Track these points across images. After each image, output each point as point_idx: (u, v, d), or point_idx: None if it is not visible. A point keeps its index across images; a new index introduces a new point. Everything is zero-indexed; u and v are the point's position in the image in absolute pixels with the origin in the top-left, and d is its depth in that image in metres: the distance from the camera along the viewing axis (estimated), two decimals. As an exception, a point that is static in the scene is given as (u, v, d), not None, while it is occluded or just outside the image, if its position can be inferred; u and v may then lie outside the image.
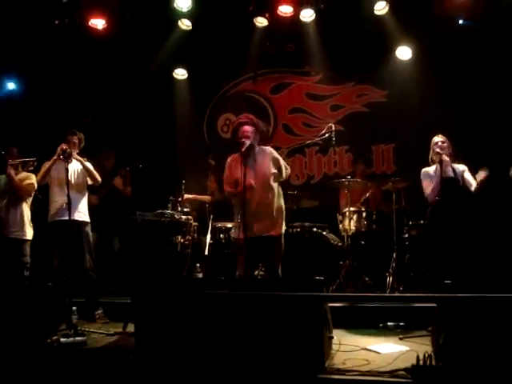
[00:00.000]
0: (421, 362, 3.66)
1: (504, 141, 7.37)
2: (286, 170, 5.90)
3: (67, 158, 6.10)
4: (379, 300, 5.99)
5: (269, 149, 5.96)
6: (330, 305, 4.58)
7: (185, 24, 8.66)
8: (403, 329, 5.46)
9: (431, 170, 6.34)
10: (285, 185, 6.39)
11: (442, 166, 6.13)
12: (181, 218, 7.63)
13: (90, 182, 6.65)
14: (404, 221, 7.18)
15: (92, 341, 5.37)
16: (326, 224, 7.77)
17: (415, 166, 6.73)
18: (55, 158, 6.32)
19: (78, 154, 6.58)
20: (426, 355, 3.69)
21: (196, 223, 7.76)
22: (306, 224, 7.65)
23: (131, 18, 8.46)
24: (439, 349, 3.83)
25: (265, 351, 4.05)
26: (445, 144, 6.28)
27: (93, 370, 4.54)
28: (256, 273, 6.39)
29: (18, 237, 6.65)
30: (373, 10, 8.01)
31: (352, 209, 7.31)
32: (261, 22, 8.48)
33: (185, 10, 8.24)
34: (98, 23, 8.26)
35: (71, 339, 5.10)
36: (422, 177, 6.40)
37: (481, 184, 6.10)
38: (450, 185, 6.10)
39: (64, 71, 9.11)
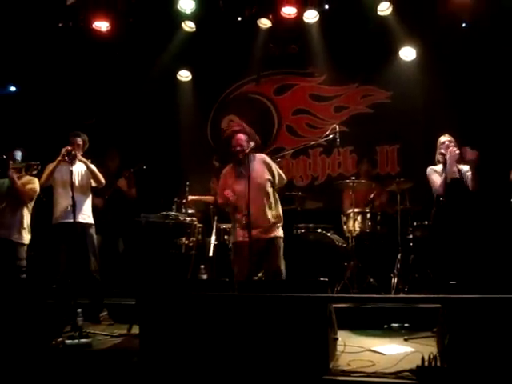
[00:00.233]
0: (426, 364, 3.66)
1: (508, 141, 7.35)
2: (280, 178, 5.92)
3: (72, 160, 6.10)
4: (384, 301, 5.99)
5: (262, 155, 5.98)
6: (335, 306, 4.57)
7: (188, 26, 8.68)
8: (408, 330, 5.46)
9: (438, 168, 6.32)
10: (289, 186, 6.40)
11: (448, 166, 6.11)
12: (185, 219, 7.64)
13: (93, 183, 6.65)
14: (408, 222, 7.18)
15: (97, 343, 5.37)
16: (330, 225, 7.76)
17: (420, 166, 6.71)
18: (59, 159, 6.32)
19: (82, 155, 6.58)
20: (431, 356, 3.68)
21: (200, 225, 7.77)
22: (311, 225, 7.64)
23: (135, 20, 8.48)
24: (444, 350, 3.83)
25: (270, 353, 4.05)
26: (452, 144, 6.26)
27: (98, 371, 4.54)
28: (260, 274, 6.38)
29: (15, 240, 6.65)
30: (376, 10, 8.00)
31: (356, 210, 7.30)
32: (264, 23, 8.49)
33: (188, 11, 8.26)
34: (102, 26, 8.28)
35: (76, 341, 5.11)
36: (428, 173, 6.36)
37: (474, 174, 6.07)
38: (455, 185, 6.09)
39: (68, 73, 9.13)
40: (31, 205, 6.83)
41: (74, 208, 5.86)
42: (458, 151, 6.10)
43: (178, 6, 8.18)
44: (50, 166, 6.47)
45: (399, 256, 6.99)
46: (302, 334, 4.02)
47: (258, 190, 5.68)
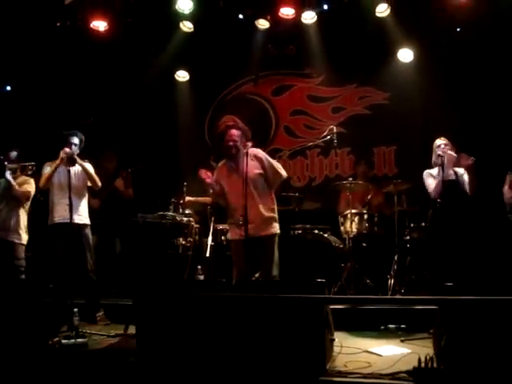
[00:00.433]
0: (422, 365, 3.66)
1: (505, 144, 7.36)
2: (275, 174, 5.86)
3: (72, 164, 6.09)
4: (381, 302, 5.98)
5: (254, 150, 5.91)
6: (332, 307, 4.57)
7: (186, 26, 8.68)
8: (404, 331, 5.45)
9: (434, 171, 6.34)
10: (286, 187, 6.39)
11: (444, 168, 6.13)
12: (182, 219, 7.63)
13: (89, 184, 6.64)
14: (405, 223, 7.19)
15: (93, 342, 5.36)
16: (327, 226, 7.77)
17: (417, 168, 6.74)
18: (58, 162, 6.30)
19: (78, 155, 6.57)
20: (428, 358, 3.68)
21: (197, 225, 7.76)
22: (308, 226, 7.64)
23: (133, 20, 8.47)
24: (441, 351, 3.83)
25: (266, 353, 4.05)
26: (447, 147, 6.27)
27: (94, 371, 4.54)
28: (257, 275, 6.37)
29: (13, 240, 6.66)
30: (374, 12, 8.01)
31: (353, 211, 7.31)
32: (262, 24, 8.48)
33: (187, 12, 8.26)
34: (100, 25, 8.27)
35: (72, 341, 5.10)
36: (424, 177, 6.40)
37: (471, 179, 6.08)
38: (452, 188, 6.11)
39: (65, 73, 9.12)
40: (27, 205, 6.83)
41: (71, 209, 5.84)
42: (455, 154, 6.12)
43: (177, 7, 8.18)
44: (48, 169, 6.43)
45: (396, 257, 6.99)
46: (299, 335, 4.02)
47: (249, 184, 5.63)
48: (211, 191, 5.96)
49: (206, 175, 5.84)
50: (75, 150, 6.43)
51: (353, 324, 5.60)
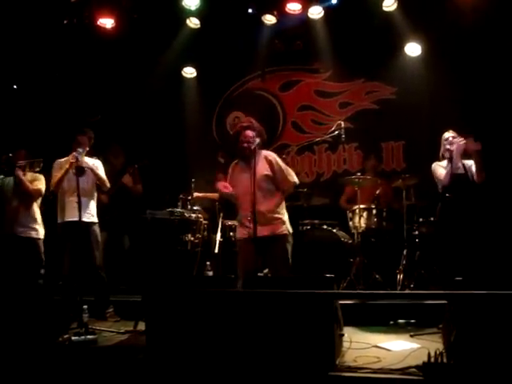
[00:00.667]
0: (432, 360, 3.65)
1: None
2: (283, 178, 5.86)
3: (80, 174, 6.08)
4: (390, 297, 5.98)
5: (267, 152, 5.97)
6: (341, 302, 4.57)
7: (193, 22, 8.68)
8: (414, 326, 5.46)
9: (443, 163, 6.30)
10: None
11: (453, 161, 6.10)
12: (191, 216, 7.63)
13: (98, 183, 6.66)
14: (414, 218, 7.17)
15: (103, 339, 5.38)
16: (336, 221, 7.77)
17: (425, 162, 6.69)
18: (68, 167, 6.30)
19: (87, 152, 6.58)
20: (438, 352, 3.67)
21: (206, 221, 7.77)
22: (316, 221, 7.64)
23: (139, 17, 8.48)
24: (450, 346, 3.82)
25: (275, 349, 4.05)
26: (455, 139, 6.24)
27: (104, 368, 4.55)
28: (265, 271, 6.38)
29: (31, 235, 6.70)
30: (381, 6, 7.99)
31: (362, 206, 7.29)
32: (269, 19, 8.47)
33: (193, 8, 8.26)
34: (107, 22, 8.29)
35: (82, 337, 5.12)
36: (433, 168, 6.35)
37: (478, 165, 6.05)
38: (461, 181, 6.08)
39: (73, 71, 9.14)
40: (39, 201, 6.86)
41: (80, 207, 5.85)
42: (463, 142, 6.08)
43: (183, 3, 8.19)
44: (59, 173, 6.44)
45: (405, 252, 6.99)
46: (308, 331, 4.01)
47: (258, 183, 5.65)
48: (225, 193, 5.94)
49: (224, 187, 5.86)
50: (81, 152, 6.42)
51: (362, 319, 5.60)
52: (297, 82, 9.70)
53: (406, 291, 6.64)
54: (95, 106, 9.42)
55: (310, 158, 9.33)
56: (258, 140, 5.80)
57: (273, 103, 9.80)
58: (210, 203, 8.12)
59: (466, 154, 6.18)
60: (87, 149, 6.60)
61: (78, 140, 6.52)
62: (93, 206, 6.66)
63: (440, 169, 6.29)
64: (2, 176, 6.78)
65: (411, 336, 5.07)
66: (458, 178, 6.09)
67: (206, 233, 7.71)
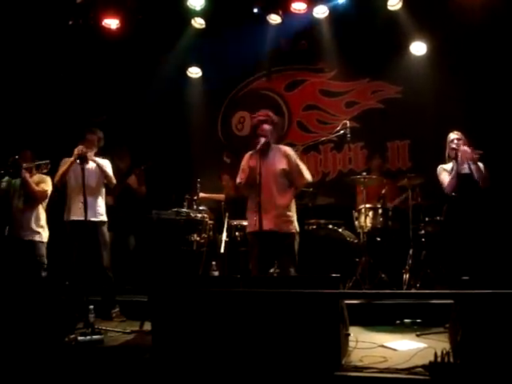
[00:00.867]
0: (438, 359, 3.64)
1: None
2: (299, 175, 5.91)
3: (83, 162, 6.09)
4: (396, 297, 5.96)
5: (284, 147, 6.04)
6: (347, 302, 4.56)
7: (198, 22, 8.69)
8: (420, 326, 5.45)
9: (448, 166, 6.30)
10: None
11: (458, 162, 6.09)
12: (196, 216, 7.64)
13: (105, 181, 6.66)
14: (420, 217, 7.15)
15: (109, 339, 5.39)
16: (341, 221, 7.76)
17: (431, 162, 6.68)
18: (72, 159, 6.32)
19: (96, 153, 6.60)
20: (444, 352, 3.66)
21: (211, 221, 7.77)
22: (322, 221, 7.64)
23: (144, 17, 8.49)
24: (457, 346, 3.81)
25: (281, 349, 4.05)
26: (460, 141, 6.23)
27: (110, 368, 4.56)
28: (272, 270, 6.38)
29: (33, 238, 6.68)
30: (386, 5, 7.98)
31: (368, 205, 7.28)
32: (274, 19, 8.47)
33: (198, 8, 8.27)
34: (112, 23, 8.31)
35: (88, 338, 5.12)
36: (438, 172, 6.35)
37: (479, 172, 6.03)
38: (467, 181, 6.06)
39: (78, 71, 9.15)
40: (45, 203, 6.85)
41: (86, 206, 5.86)
42: (469, 150, 6.07)
43: (188, 3, 8.20)
44: (63, 167, 6.47)
45: (411, 251, 6.97)
46: (314, 330, 4.01)
47: (271, 177, 5.74)
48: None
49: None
50: (92, 147, 6.46)
51: (368, 319, 5.59)
52: (302, 82, 9.70)
53: (412, 291, 6.62)
54: (100, 106, 9.44)
55: (315, 157, 9.32)
56: (275, 133, 5.92)
57: (278, 103, 9.79)
58: (216, 203, 8.14)
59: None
60: (95, 149, 6.61)
61: (87, 138, 6.54)
62: (101, 204, 6.66)
63: (444, 174, 6.27)
64: (8, 178, 6.78)
65: (417, 336, 5.06)
66: (463, 178, 6.07)
67: (211, 233, 7.72)
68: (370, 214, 7.30)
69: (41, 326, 5.25)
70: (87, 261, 6.34)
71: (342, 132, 7.08)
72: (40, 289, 5.89)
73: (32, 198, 6.70)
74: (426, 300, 5.68)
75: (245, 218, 7.22)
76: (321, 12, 8.33)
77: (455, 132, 6.33)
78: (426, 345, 4.64)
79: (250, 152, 6.00)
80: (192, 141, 9.88)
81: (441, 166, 6.38)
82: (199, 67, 9.83)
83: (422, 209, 7.18)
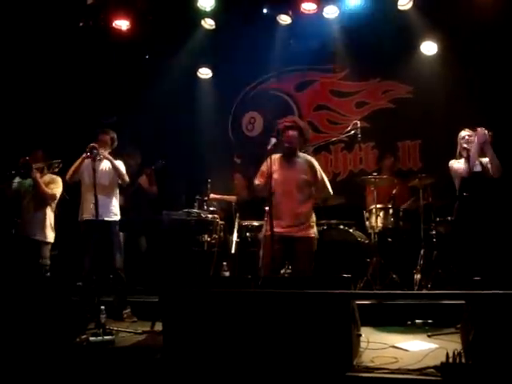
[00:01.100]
0: (450, 360, 3.62)
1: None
2: (323, 187, 5.98)
3: (95, 156, 6.10)
4: (407, 297, 5.96)
5: (310, 158, 6.06)
6: (358, 302, 4.55)
7: (208, 23, 8.70)
8: (431, 326, 5.42)
9: (459, 162, 6.25)
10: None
11: (470, 160, 6.05)
12: (207, 216, 7.64)
13: (120, 181, 6.68)
14: (431, 217, 7.13)
15: (120, 340, 5.40)
16: (352, 221, 7.75)
17: (442, 162, 6.65)
18: (84, 156, 6.34)
19: (109, 153, 6.62)
20: (456, 353, 3.65)
21: (222, 222, 7.77)
22: (333, 221, 7.64)
23: (154, 18, 8.51)
24: (469, 346, 3.80)
25: (293, 349, 4.05)
26: (471, 138, 6.20)
27: (121, 368, 4.57)
28: (283, 271, 6.38)
29: (39, 238, 6.71)
30: (397, 5, 7.96)
31: (379, 206, 7.27)
32: (284, 19, 8.48)
33: (208, 9, 8.28)
34: (122, 24, 8.34)
35: (100, 338, 5.14)
36: (450, 165, 6.29)
37: (491, 157, 5.99)
38: (478, 179, 6.03)
39: (89, 73, 9.17)
40: (54, 203, 6.87)
41: (97, 206, 5.87)
42: (483, 132, 6.03)
43: (198, 4, 8.22)
44: (76, 163, 6.50)
45: (422, 252, 6.94)
46: (326, 331, 4.01)
47: (293, 185, 5.77)
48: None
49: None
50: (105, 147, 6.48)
51: (379, 319, 5.58)
52: (312, 82, 9.69)
53: (424, 291, 6.60)
54: (111, 107, 9.46)
55: (326, 157, 9.31)
56: (301, 140, 5.93)
57: (288, 103, 9.80)
58: (226, 204, 8.14)
59: (482, 152, 6.14)
60: (109, 149, 6.63)
61: (99, 139, 6.56)
62: (115, 204, 6.69)
63: (457, 163, 6.23)
64: (18, 178, 6.81)
65: (429, 336, 5.04)
66: (475, 177, 6.04)
67: (222, 233, 7.72)
68: (381, 214, 7.29)
69: (52, 326, 5.27)
70: (100, 261, 6.36)
71: (352, 132, 7.08)
72: (46, 289, 5.91)
73: (41, 199, 6.73)
74: (438, 300, 5.65)
75: (255, 219, 7.25)
76: (331, 12, 8.32)
77: (466, 130, 6.31)
78: (437, 345, 4.63)
79: (275, 155, 6.00)
80: (202, 141, 9.88)
81: (452, 160, 6.34)
82: (209, 68, 9.84)
83: (433, 209, 7.15)
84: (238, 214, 7.45)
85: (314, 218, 5.98)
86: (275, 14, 8.42)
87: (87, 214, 6.39)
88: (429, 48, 8.43)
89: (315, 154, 8.94)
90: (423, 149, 8.76)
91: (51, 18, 8.18)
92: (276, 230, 5.52)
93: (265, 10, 8.46)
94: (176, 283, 4.99)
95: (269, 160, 5.72)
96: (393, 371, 3.88)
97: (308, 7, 8.15)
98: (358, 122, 7.14)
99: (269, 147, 5.66)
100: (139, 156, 8.33)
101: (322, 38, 8.92)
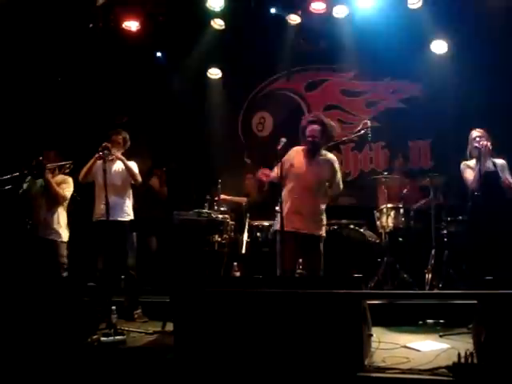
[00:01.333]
0: (462, 360, 3.61)
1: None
2: (337, 187, 6.04)
3: (106, 157, 6.12)
4: (418, 297, 5.94)
5: (332, 157, 6.10)
6: (369, 302, 4.54)
7: (218, 24, 8.71)
8: (443, 326, 5.40)
9: (471, 163, 6.24)
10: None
11: (482, 160, 6.03)
12: (218, 216, 7.63)
13: (133, 182, 6.69)
14: (442, 217, 7.09)
15: (131, 340, 5.40)
16: (363, 221, 7.73)
17: (453, 161, 6.64)
18: (96, 156, 6.36)
19: (122, 153, 6.63)
20: (468, 353, 3.63)
21: (233, 222, 7.77)
22: (344, 221, 7.62)
23: (164, 19, 8.52)
24: (481, 347, 3.78)
25: (304, 349, 4.04)
26: (483, 138, 6.17)
27: (132, 368, 4.58)
28: (299, 271, 6.38)
29: (55, 238, 6.73)
30: (407, 3, 7.94)
31: (389, 205, 7.25)
32: (293, 19, 8.48)
33: (217, 9, 8.29)
34: (132, 25, 8.36)
35: (111, 338, 5.15)
36: (462, 169, 6.29)
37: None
38: (491, 178, 6.00)
39: (99, 73, 9.20)
40: (66, 203, 6.90)
41: (107, 206, 5.89)
42: (489, 144, 6.02)
43: (207, 4, 8.22)
44: (88, 163, 6.52)
45: (433, 251, 6.91)
46: (337, 331, 4.00)
47: (313, 182, 5.82)
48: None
49: (264, 175, 5.91)
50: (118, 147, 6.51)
51: (390, 319, 5.56)
52: (322, 82, 9.69)
53: (435, 291, 6.57)
54: (122, 108, 9.49)
55: (336, 157, 9.24)
56: (325, 135, 5.95)
57: (298, 103, 9.80)
58: (237, 204, 8.14)
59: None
60: (122, 150, 6.65)
61: (112, 139, 6.58)
62: (129, 204, 6.70)
63: (468, 170, 6.21)
64: (30, 178, 6.82)
65: (440, 336, 5.02)
66: (488, 176, 6.01)
67: (232, 233, 7.71)
68: (392, 213, 7.26)
69: (64, 326, 5.29)
70: (113, 261, 6.38)
71: (363, 132, 7.05)
72: (62, 289, 5.93)
73: (53, 199, 6.74)
74: (449, 300, 5.63)
75: (265, 219, 7.24)
76: (341, 12, 8.30)
77: (477, 130, 6.28)
78: (449, 345, 4.61)
79: (299, 147, 6.01)
80: (213, 141, 9.89)
81: (464, 162, 6.33)
82: (219, 68, 9.85)
83: (444, 208, 7.13)
84: (248, 215, 7.45)
85: (325, 216, 6.00)
86: (285, 14, 8.41)
87: (100, 214, 6.40)
88: (439, 47, 8.42)
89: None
90: (434, 148, 8.75)
91: (62, 20, 8.19)
92: (291, 225, 5.54)
93: (273, 10, 8.45)
94: (187, 283, 4.99)
95: (289, 153, 5.86)
96: (404, 371, 3.86)
97: (317, 7, 8.14)
98: (369, 122, 7.12)
99: (279, 147, 5.67)
100: (149, 157, 8.34)
101: (331, 38, 8.91)
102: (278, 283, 4.75)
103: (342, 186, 6.11)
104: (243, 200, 8.23)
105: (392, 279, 6.86)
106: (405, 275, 6.92)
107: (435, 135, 8.64)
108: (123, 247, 6.51)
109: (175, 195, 8.52)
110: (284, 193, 5.88)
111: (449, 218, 7.05)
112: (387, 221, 7.21)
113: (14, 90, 8.40)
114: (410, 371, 3.85)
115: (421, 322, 5.57)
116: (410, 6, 7.97)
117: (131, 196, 6.77)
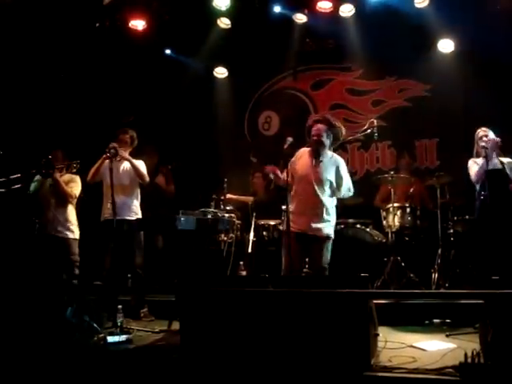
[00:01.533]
0: (469, 360, 3.60)
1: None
2: (345, 189, 5.95)
3: (114, 156, 6.14)
4: (425, 297, 5.93)
5: (339, 158, 6.05)
6: (375, 302, 4.53)
7: (224, 23, 8.71)
8: (450, 326, 5.39)
9: (479, 160, 6.22)
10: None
11: (488, 158, 6.01)
12: (224, 216, 7.64)
13: (140, 181, 6.69)
14: (449, 216, 7.08)
15: (137, 339, 5.40)
16: (369, 220, 7.72)
17: (459, 160, 6.63)
18: (104, 156, 6.37)
19: (130, 153, 6.64)
20: (474, 353, 3.62)
21: (239, 221, 7.78)
22: (350, 220, 7.62)
23: (170, 18, 8.53)
24: (487, 346, 3.77)
25: (310, 349, 4.04)
26: (489, 137, 6.16)
27: (138, 367, 4.58)
28: (305, 270, 6.37)
29: (67, 236, 6.76)
30: (413, 2, 7.92)
31: (396, 204, 7.24)
32: (300, 18, 8.47)
33: (224, 8, 8.29)
34: (138, 24, 8.37)
35: (117, 337, 5.15)
36: (469, 165, 6.27)
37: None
38: (498, 176, 5.98)
39: (106, 72, 9.22)
40: (74, 201, 6.92)
41: (114, 206, 5.91)
42: (499, 140, 6.01)
43: (214, 3, 8.23)
44: (96, 164, 6.54)
45: (439, 251, 6.90)
46: (343, 330, 3.99)
47: (319, 183, 5.77)
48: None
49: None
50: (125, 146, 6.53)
51: (397, 319, 5.54)
52: (328, 81, 9.68)
53: (441, 290, 6.57)
54: (128, 106, 9.50)
55: (342, 156, 9.14)
56: (330, 135, 5.90)
57: (304, 102, 9.80)
58: (243, 203, 8.14)
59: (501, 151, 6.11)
60: (129, 149, 6.66)
61: (119, 138, 6.59)
62: (136, 204, 6.72)
63: (474, 166, 6.20)
64: (38, 177, 6.84)
65: (447, 336, 5.01)
66: (495, 174, 5.99)
67: (239, 232, 7.72)
68: (399, 213, 7.26)
69: (70, 325, 5.30)
70: (120, 261, 6.39)
71: (369, 131, 7.04)
72: (73, 287, 5.96)
73: (62, 198, 6.78)
74: (456, 300, 5.61)
75: (272, 218, 7.23)
76: (347, 11, 8.30)
77: (483, 128, 6.27)
78: (455, 345, 4.60)
79: (305, 149, 6.01)
80: (219, 140, 9.91)
81: (472, 159, 6.31)
82: (225, 67, 9.86)
83: (450, 208, 7.11)
84: (254, 214, 7.45)
85: (334, 218, 5.95)
86: (291, 13, 8.41)
87: (108, 213, 6.41)
88: (445, 46, 8.40)
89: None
90: (440, 147, 8.72)
91: (68, 19, 8.21)
92: (296, 226, 5.54)
93: (279, 9, 8.44)
94: (193, 282, 5.00)
95: (296, 155, 5.86)
96: (411, 371, 3.85)
97: (324, 6, 8.14)
98: (375, 121, 7.10)
99: (285, 146, 5.67)
100: (156, 155, 8.34)
101: (337, 37, 8.91)
102: (284, 282, 4.74)
103: (352, 191, 6.04)
104: (249, 199, 8.23)
105: (398, 279, 6.84)
106: (411, 275, 6.90)
107: (442, 134, 8.62)
108: (131, 246, 6.52)
109: (181, 194, 8.52)
110: (290, 193, 5.88)
111: (455, 218, 7.04)
112: (393, 220, 7.20)
113: (22, 89, 8.42)
114: (417, 371, 3.83)
115: (427, 322, 5.56)
116: (417, 5, 7.96)
117: (139, 195, 6.78)
